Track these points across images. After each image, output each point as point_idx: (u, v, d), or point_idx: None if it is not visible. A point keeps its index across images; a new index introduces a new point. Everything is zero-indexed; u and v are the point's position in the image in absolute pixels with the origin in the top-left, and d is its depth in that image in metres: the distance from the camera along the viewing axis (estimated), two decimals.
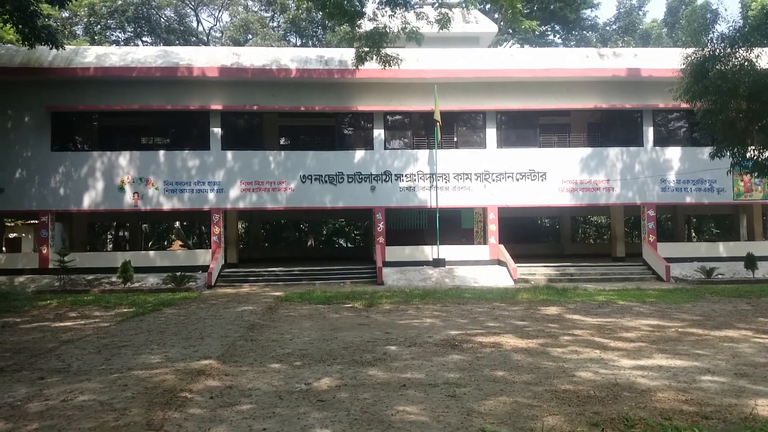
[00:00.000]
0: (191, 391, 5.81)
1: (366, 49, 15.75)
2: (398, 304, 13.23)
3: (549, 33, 39.11)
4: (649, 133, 20.93)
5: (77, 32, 36.15)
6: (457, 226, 22.87)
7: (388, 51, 16.32)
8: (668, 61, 20.31)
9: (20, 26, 15.34)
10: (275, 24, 38.41)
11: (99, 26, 35.45)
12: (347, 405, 5.33)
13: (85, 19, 34.77)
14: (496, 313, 11.70)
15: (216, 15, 45.24)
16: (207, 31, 40.74)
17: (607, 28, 38.46)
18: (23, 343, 8.88)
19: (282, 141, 21.74)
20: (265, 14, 38.37)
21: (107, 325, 10.58)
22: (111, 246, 34.37)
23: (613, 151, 20.81)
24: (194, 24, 39.95)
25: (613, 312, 11.90)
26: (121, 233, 33.84)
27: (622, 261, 22.33)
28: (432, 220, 22.75)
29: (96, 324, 10.80)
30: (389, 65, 16.16)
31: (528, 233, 30.24)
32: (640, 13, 37.90)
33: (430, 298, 14.02)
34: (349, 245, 36.08)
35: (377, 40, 15.40)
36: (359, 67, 16.90)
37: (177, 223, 33.84)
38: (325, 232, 36.56)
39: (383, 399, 5.52)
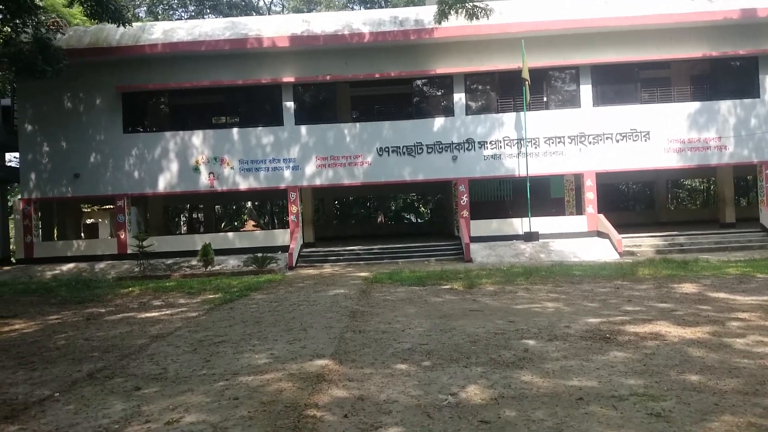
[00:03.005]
0: (317, 406, 4.72)
1: (450, 1, 14.17)
2: (502, 284, 11.89)
3: None
4: (767, 82, 18.51)
5: (140, 14, 35.94)
6: (546, 195, 21.17)
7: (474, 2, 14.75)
8: None
9: (88, 1, 14.63)
10: None
11: (162, 5, 35.09)
12: (524, 430, 4.09)
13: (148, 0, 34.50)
14: (625, 293, 10.19)
15: None
16: (268, 5, 39.78)
17: None
18: (111, 339, 8.10)
19: (356, 113, 20.56)
20: None
21: (196, 315, 9.75)
22: (185, 229, 34.43)
23: (725, 105, 18.54)
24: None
25: (762, 288, 10.23)
26: (194, 215, 33.79)
27: (732, 227, 20.08)
28: (517, 190, 21.22)
29: (184, 314, 10.00)
30: (477, 18, 14.57)
31: (618, 200, 28.16)
32: None
33: (536, 277, 12.61)
34: (419, 220, 34.81)
35: None
36: (441, 24, 15.36)
37: (249, 203, 33.46)
38: (393, 207, 35.39)
39: (566, 421, 4.25)
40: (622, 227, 18.21)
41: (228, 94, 19.87)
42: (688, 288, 10.46)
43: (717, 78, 19.09)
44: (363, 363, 6.08)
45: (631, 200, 31.01)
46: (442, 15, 14.73)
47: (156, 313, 10.24)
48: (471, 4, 14.28)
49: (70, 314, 10.66)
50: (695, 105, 18.57)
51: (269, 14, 39.00)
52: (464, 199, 18.96)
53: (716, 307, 8.55)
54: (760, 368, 5.44)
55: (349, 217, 33.28)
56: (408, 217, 35.79)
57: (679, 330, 7.11)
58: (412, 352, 6.47)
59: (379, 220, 34.13)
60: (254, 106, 19.77)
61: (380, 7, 35.93)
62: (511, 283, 12.04)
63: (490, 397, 4.84)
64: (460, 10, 14.57)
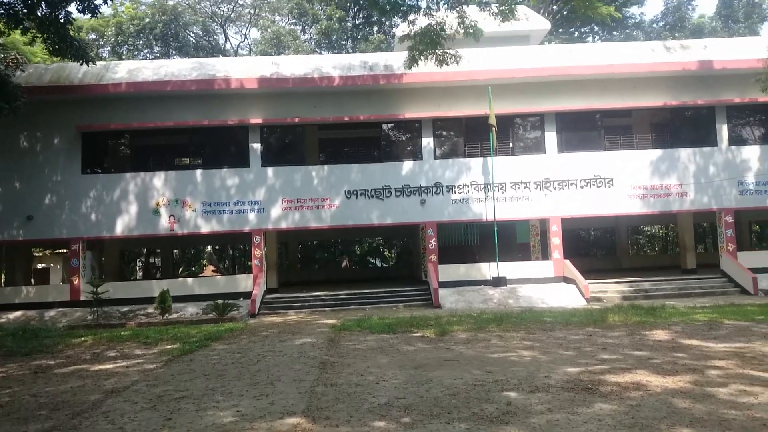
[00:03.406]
0: None
1: (421, 48, 14.28)
2: (474, 331, 11.62)
3: (587, 34, 37.42)
4: (723, 131, 19.16)
5: (103, 54, 35.48)
6: (512, 240, 21.16)
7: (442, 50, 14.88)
8: (743, 51, 18.68)
9: (51, 37, 14.24)
10: (306, 36, 37.36)
11: (126, 46, 34.75)
12: None
13: (112, 39, 34.10)
14: (599, 341, 10.04)
15: (243, 32, 44.52)
16: (235, 48, 39.84)
17: (654, 25, 36.60)
18: (61, 394, 7.48)
19: (324, 155, 20.41)
20: (296, 26, 37.37)
21: (153, 368, 9.15)
22: (141, 274, 33.26)
23: (685, 153, 19.05)
24: (222, 41, 39.14)
25: (732, 335, 10.22)
26: (151, 260, 32.71)
27: (693, 273, 20.39)
28: (484, 235, 21.19)
29: (140, 366, 9.38)
30: (446, 64, 14.69)
31: (580, 246, 28.41)
32: (689, 7, 35.92)
33: (507, 324, 12.39)
34: (384, 264, 34.47)
35: (434, 38, 13.95)
36: (412, 69, 15.45)
37: (209, 248, 32.61)
38: (358, 251, 35.01)
39: None
40: (585, 273, 18.23)
41: (192, 135, 19.44)
42: (661, 335, 10.39)
43: (677, 126, 19.67)
44: (338, 420, 5.68)
45: (592, 246, 31.40)
46: (412, 60, 14.80)
47: (110, 365, 9.59)
48: (441, 51, 14.39)
49: (15, 367, 9.90)
50: (657, 152, 19.03)
51: (236, 56, 39.06)
52: (432, 243, 18.80)
53: (692, 355, 8.45)
54: (750, 419, 5.29)
55: (312, 262, 32.70)
56: (373, 261, 35.42)
57: (660, 379, 6.94)
58: (389, 407, 6.10)
59: (343, 264, 33.67)
60: (219, 147, 19.41)
61: (348, 52, 36.40)
62: (483, 330, 11.78)
63: None
64: (430, 57, 14.66)
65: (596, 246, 31.47)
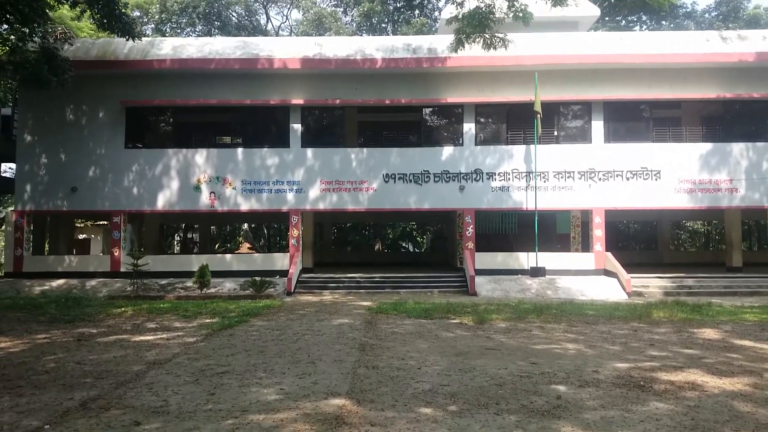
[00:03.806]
0: None
1: (468, 30, 13.96)
2: (513, 321, 11.39)
3: (634, 23, 36.27)
4: None
5: (147, 32, 35.79)
6: (551, 230, 20.77)
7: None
8: None
9: (99, 11, 14.35)
10: (348, 18, 37.12)
11: (170, 24, 35.01)
12: None
13: (156, 17, 34.40)
14: (645, 337, 9.72)
15: (285, 12, 44.42)
16: (276, 29, 39.82)
17: (706, 15, 35.29)
18: (104, 363, 7.55)
19: (363, 138, 20.26)
20: (337, 8, 37.15)
21: (194, 341, 9.19)
22: (178, 248, 33.73)
23: (737, 147, 18.34)
24: (263, 21, 39.17)
25: None
26: (189, 235, 33.15)
27: (739, 271, 19.71)
28: (523, 224, 20.87)
29: (181, 339, 9.44)
30: (494, 48, 14.34)
31: (620, 239, 27.76)
32: None
33: (548, 315, 12.13)
34: (416, 250, 34.29)
35: (482, 20, 13.61)
36: (458, 52, 15.13)
37: (245, 225, 32.88)
38: (391, 235, 34.88)
39: None
40: (624, 266, 17.77)
41: (234, 114, 19.52)
42: (710, 334, 10.01)
43: (730, 120, 18.94)
44: (383, 404, 5.56)
45: (632, 239, 30.68)
46: (458, 43, 14.51)
47: (151, 337, 9.68)
48: (489, 34, 14.04)
49: (59, 334, 10.08)
50: (707, 146, 18.37)
51: (277, 36, 39.07)
52: (470, 230, 18.56)
53: (747, 356, 8.10)
54: None
55: (346, 243, 32.74)
56: (405, 246, 35.29)
57: (716, 380, 6.65)
58: (434, 394, 5.96)
59: (376, 247, 33.63)
60: (260, 126, 19.43)
61: (388, 35, 36.07)
62: (523, 320, 11.55)
63: None
64: (477, 40, 14.33)
65: (636, 239, 30.75)
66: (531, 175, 18.34)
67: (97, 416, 5.19)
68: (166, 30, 35.81)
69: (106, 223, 26.78)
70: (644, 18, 35.48)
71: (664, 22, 34.69)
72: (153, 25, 35.62)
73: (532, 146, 18.36)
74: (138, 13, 34.45)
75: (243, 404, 5.53)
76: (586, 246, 19.59)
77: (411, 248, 34.97)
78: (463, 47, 14.67)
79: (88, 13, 15.80)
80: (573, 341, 9.27)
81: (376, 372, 6.95)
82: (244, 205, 18.60)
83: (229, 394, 5.90)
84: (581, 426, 4.97)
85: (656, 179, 18.18)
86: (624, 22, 35.72)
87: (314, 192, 18.60)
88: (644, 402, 5.71)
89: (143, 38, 18.40)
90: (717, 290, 17.15)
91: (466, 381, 6.56)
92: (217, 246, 33.09)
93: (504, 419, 5.16)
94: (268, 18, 39.81)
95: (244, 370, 7.04)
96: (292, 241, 18.63)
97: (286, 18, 43.19)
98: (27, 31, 15.30)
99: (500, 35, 14.24)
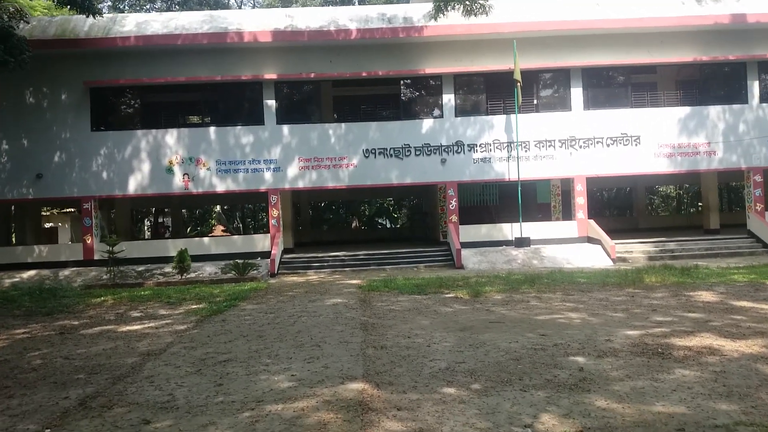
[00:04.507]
0: None
1: None
2: (508, 293, 11.26)
3: None
4: (755, 88, 18.50)
5: (103, 9, 34.20)
6: (532, 200, 20.72)
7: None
8: None
9: None
10: None
11: (127, 0, 33.52)
12: None
13: None
14: (644, 302, 9.67)
15: None
16: (239, 2, 38.50)
17: None
18: (95, 357, 7.12)
19: (341, 113, 19.72)
20: None
21: (185, 329, 8.80)
22: (149, 234, 32.84)
23: (714, 110, 18.43)
24: None
25: None
26: (160, 220, 32.29)
27: (716, 233, 20.00)
28: (504, 195, 20.78)
29: (170, 327, 9.03)
30: (474, 15, 13.98)
31: (596, 206, 27.95)
32: None
33: (541, 285, 12.02)
34: (393, 225, 34.06)
35: None
36: (437, 20, 14.71)
37: (218, 207, 32.13)
38: (367, 212, 34.54)
39: None
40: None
41: (205, 91, 18.75)
42: (707, 296, 10.02)
43: (706, 83, 19.00)
44: (403, 387, 5.30)
45: (607, 206, 30.96)
46: (438, 10, 14.12)
47: (138, 326, 9.24)
48: (469, 0, 13.67)
49: (39, 327, 9.57)
50: (685, 110, 18.40)
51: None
52: (453, 204, 18.34)
53: (751, 318, 8.08)
54: None
55: (322, 222, 32.32)
56: (382, 222, 35.02)
57: (731, 343, 6.57)
58: (453, 373, 5.73)
59: (353, 225, 33.28)
60: (233, 103, 18.74)
61: (360, 5, 35.17)
62: (517, 291, 11.42)
63: (575, 430, 4.14)
64: (457, 6, 13.94)
65: (611, 206, 31.05)
66: (512, 146, 18.15)
67: (100, 416, 4.81)
68: (124, 8, 34.32)
69: (73, 210, 25.82)
70: None
71: None
72: (110, 2, 34.00)
73: (512, 116, 18.14)
74: None
75: (256, 394, 5.20)
76: (567, 214, 19.59)
77: (388, 224, 34.71)
78: (444, 14, 14.27)
79: None
80: (574, 310, 9.16)
81: (386, 352, 6.69)
82: (220, 186, 18.01)
83: (238, 384, 5.57)
84: (615, 399, 4.79)
85: (636, 144, 18.19)
86: None
87: (293, 170, 18.10)
88: (669, 370, 5.57)
89: (103, 15, 17.47)
90: (699, 253, 17.34)
91: (481, 357, 6.35)
92: (189, 230, 32.34)
93: (533, 396, 4.95)
94: None
95: (247, 357, 6.70)
96: (272, 222, 18.14)
97: None
98: None
99: (481, 1, 13.87)
